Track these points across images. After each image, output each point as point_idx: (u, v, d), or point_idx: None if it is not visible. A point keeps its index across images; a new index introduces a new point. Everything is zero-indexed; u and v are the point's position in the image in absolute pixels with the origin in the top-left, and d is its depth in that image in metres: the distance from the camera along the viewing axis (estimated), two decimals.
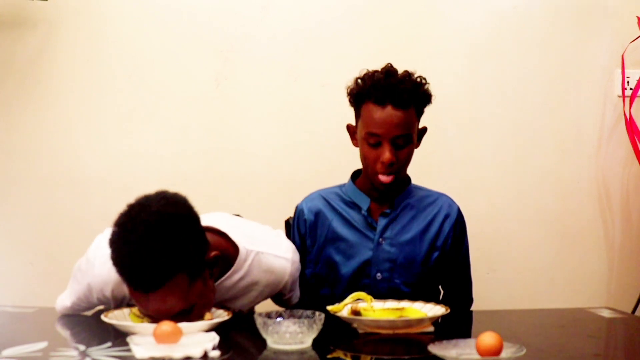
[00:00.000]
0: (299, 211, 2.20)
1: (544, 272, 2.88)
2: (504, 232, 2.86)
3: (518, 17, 2.86)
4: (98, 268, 1.74)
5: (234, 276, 1.80)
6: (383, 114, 1.99)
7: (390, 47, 2.82)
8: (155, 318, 1.59)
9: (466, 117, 2.85)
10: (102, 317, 1.65)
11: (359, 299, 1.81)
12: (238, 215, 2.32)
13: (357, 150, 2.18)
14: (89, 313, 1.90)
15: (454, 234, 2.16)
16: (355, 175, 2.21)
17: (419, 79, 2.07)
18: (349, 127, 2.15)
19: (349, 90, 2.10)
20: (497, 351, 1.39)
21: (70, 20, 2.77)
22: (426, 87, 2.07)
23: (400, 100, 1.99)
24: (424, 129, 2.13)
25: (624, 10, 2.85)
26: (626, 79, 2.84)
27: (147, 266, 1.50)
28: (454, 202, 2.20)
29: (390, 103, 1.99)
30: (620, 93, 2.85)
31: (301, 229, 2.18)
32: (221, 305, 1.80)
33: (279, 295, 1.99)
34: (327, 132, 2.81)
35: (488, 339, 1.40)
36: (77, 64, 2.78)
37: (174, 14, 2.79)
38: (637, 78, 2.81)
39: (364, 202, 2.14)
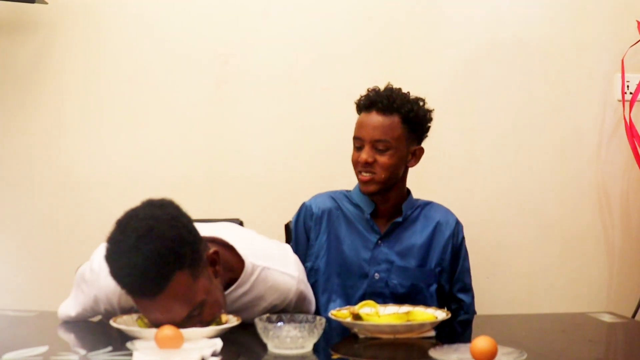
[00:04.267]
0: (305, 207, 2.28)
1: (544, 276, 2.88)
2: (503, 236, 2.86)
3: (517, 21, 2.86)
4: (104, 279, 1.70)
5: (238, 290, 1.77)
6: (366, 118, 2.15)
7: (390, 50, 2.83)
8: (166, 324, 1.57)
9: (465, 121, 2.85)
10: (111, 322, 1.64)
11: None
12: (238, 219, 2.33)
13: None
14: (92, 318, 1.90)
15: (452, 244, 2.23)
16: None
17: (413, 97, 2.17)
18: None
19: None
20: (491, 356, 1.39)
21: (70, 23, 2.77)
22: (418, 104, 2.16)
23: (383, 106, 2.12)
24: (420, 149, 2.21)
25: (623, 15, 2.85)
26: (626, 83, 2.84)
27: (144, 272, 1.50)
28: (450, 213, 2.29)
29: (374, 109, 2.13)
30: (620, 97, 2.85)
31: (307, 222, 2.26)
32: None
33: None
34: (327, 135, 2.81)
35: (482, 343, 1.40)
36: (77, 67, 2.78)
37: (174, 18, 2.79)
38: (637, 82, 2.82)
39: (368, 206, 2.21)
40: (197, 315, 1.59)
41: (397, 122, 2.12)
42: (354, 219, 2.23)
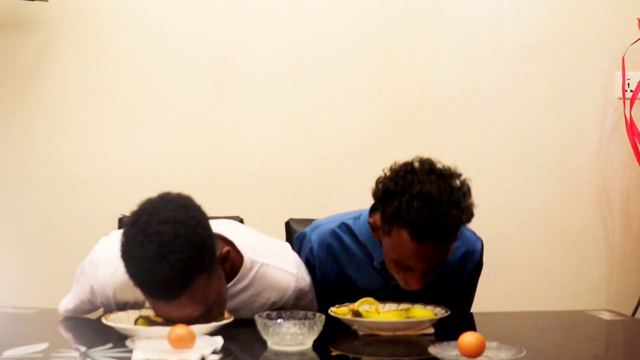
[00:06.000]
0: (308, 242, 2.02)
1: (544, 274, 2.88)
2: (504, 234, 2.87)
3: (518, 20, 2.86)
4: (102, 270, 1.72)
5: (237, 285, 1.76)
6: (420, 250, 1.70)
7: (390, 50, 2.83)
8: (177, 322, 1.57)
9: (466, 119, 2.85)
10: (103, 319, 1.64)
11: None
12: (238, 217, 2.33)
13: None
14: (92, 315, 1.90)
15: (473, 270, 2.03)
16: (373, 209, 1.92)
17: (464, 203, 1.73)
18: (371, 224, 1.85)
19: (379, 189, 1.77)
20: (477, 352, 1.38)
21: (71, 22, 2.77)
22: (470, 209, 1.74)
23: (443, 239, 1.71)
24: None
25: (624, 13, 2.85)
26: (626, 81, 2.84)
27: (167, 280, 1.47)
28: (476, 239, 2.02)
29: (431, 240, 1.69)
30: (620, 95, 2.86)
31: (310, 260, 2.01)
32: None
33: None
34: (327, 135, 2.81)
35: (468, 338, 1.39)
36: (78, 66, 2.79)
37: (174, 18, 2.80)
38: (638, 80, 2.82)
39: (378, 253, 1.89)
40: (206, 313, 1.58)
41: (455, 238, 1.76)
42: (362, 264, 1.96)
